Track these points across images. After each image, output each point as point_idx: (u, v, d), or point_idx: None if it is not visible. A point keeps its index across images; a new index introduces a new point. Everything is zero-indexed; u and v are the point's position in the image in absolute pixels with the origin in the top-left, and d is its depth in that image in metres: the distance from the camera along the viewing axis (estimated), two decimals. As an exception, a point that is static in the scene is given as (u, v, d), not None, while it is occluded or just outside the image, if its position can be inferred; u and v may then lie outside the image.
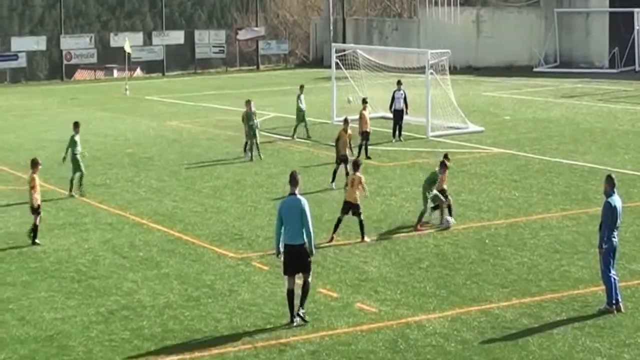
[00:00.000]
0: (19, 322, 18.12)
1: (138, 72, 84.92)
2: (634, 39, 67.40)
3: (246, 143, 35.24)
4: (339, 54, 45.66)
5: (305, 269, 17.83)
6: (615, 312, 17.96)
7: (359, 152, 33.40)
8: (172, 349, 16.66)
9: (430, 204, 24.67)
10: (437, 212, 25.05)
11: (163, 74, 77.15)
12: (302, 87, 41.48)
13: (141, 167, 34.22)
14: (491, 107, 49.53)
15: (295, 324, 17.62)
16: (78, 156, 29.51)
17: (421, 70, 42.02)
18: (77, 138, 29.75)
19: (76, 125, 30.16)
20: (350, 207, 23.64)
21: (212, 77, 74.90)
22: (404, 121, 39.50)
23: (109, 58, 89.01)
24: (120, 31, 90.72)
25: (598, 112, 46.76)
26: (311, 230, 17.70)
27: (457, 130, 40.52)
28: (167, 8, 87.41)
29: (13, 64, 72.65)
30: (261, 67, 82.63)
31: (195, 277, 20.83)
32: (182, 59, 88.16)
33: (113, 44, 76.96)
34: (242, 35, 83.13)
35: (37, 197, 24.05)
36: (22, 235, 24.54)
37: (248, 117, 35.09)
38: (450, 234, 24.02)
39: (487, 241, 23.27)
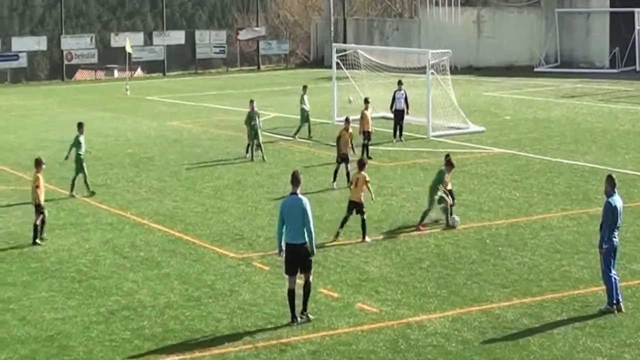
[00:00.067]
0: (20, 322, 18.12)
1: (139, 72, 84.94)
2: (634, 39, 67.39)
3: (248, 144, 35.18)
4: (340, 54, 45.66)
5: (306, 269, 17.84)
6: (616, 312, 17.95)
7: (363, 152, 33.37)
8: (173, 349, 16.66)
9: (436, 205, 24.65)
10: (441, 213, 25.10)
11: (164, 74, 77.16)
12: (305, 87, 41.49)
13: (142, 167, 34.22)
14: (492, 107, 49.53)
15: (295, 324, 17.63)
16: (82, 157, 29.52)
17: (422, 70, 42.01)
18: (81, 139, 29.76)
19: (80, 126, 30.17)
20: (355, 206, 23.66)
21: (212, 77, 74.91)
22: (404, 121, 39.51)
23: (110, 58, 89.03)
24: (121, 31, 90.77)
25: (599, 112, 46.76)
26: (312, 230, 17.72)
27: (457, 130, 40.52)
28: (168, 8, 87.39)
29: (14, 64, 72.67)
30: (262, 67, 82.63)
31: (196, 277, 20.83)
32: (183, 59, 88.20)
33: (114, 44, 77.01)
34: (243, 35, 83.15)
35: (41, 197, 24.08)
36: (22, 235, 24.56)
37: (250, 118, 35.08)
38: (450, 234, 24.02)
39: (487, 241, 23.27)
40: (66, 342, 17.07)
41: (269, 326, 17.64)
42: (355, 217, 23.67)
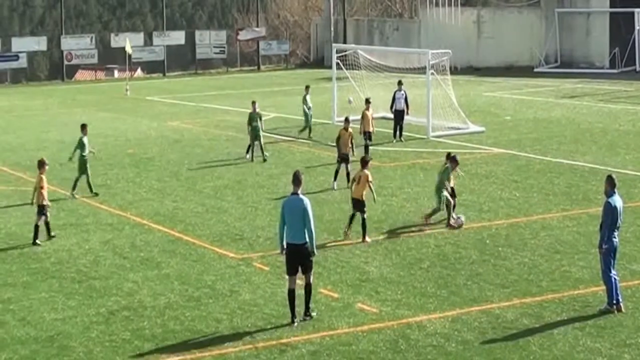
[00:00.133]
0: (20, 323, 18.13)
1: (139, 72, 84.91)
2: (634, 39, 67.40)
3: (249, 145, 35.13)
4: (340, 54, 45.65)
5: (307, 269, 17.85)
6: (615, 312, 17.96)
7: (365, 152, 33.33)
8: (173, 350, 16.67)
9: (443, 206, 24.69)
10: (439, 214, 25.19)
11: (164, 75, 77.16)
12: (307, 87, 41.49)
13: (142, 168, 34.23)
14: (492, 108, 49.54)
15: (295, 324, 17.64)
16: (86, 158, 29.52)
17: (422, 70, 42.01)
18: (85, 140, 29.76)
19: (84, 127, 30.16)
20: (356, 204, 23.67)
21: (212, 78, 74.91)
22: (404, 121, 39.52)
23: (110, 58, 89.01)
24: (121, 31, 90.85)
25: (599, 113, 46.76)
26: (313, 230, 17.74)
27: (457, 130, 40.52)
28: (168, 8, 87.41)
29: (14, 65, 72.65)
30: (262, 67, 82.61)
31: (196, 277, 20.83)
32: (183, 60, 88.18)
33: (114, 44, 77.00)
34: (243, 35, 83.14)
35: (46, 197, 24.10)
36: (22, 235, 24.57)
37: (251, 119, 35.06)
38: (451, 234, 24.03)
39: (487, 241, 23.27)
40: (66, 342, 17.08)
41: (269, 326, 17.65)
42: (356, 217, 23.67)
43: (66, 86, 71.12)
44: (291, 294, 17.75)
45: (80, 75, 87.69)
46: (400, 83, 40.52)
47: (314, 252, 17.89)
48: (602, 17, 69.86)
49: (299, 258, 17.77)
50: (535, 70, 68.86)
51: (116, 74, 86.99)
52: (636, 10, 67.11)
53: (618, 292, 18.06)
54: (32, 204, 24.65)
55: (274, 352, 16.46)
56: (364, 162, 24.04)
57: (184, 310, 18.63)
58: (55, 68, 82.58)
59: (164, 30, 78.98)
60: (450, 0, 72.86)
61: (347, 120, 31.00)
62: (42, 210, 24.02)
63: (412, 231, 24.39)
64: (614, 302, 18.01)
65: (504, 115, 46.29)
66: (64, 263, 22.12)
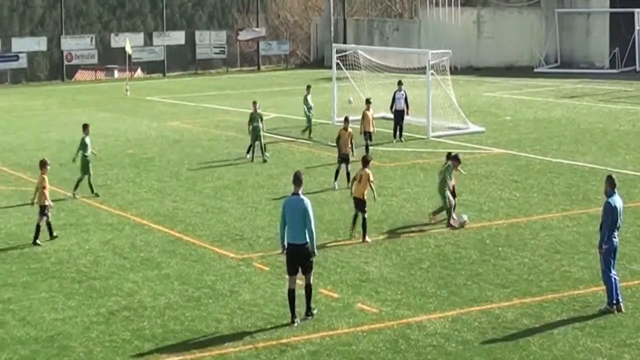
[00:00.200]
0: (20, 323, 18.13)
1: (139, 72, 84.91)
2: (634, 39, 67.40)
3: (250, 145, 35.08)
4: (340, 55, 45.65)
5: (307, 270, 17.86)
6: (615, 312, 17.96)
7: (366, 152, 33.34)
8: (173, 350, 16.67)
9: (448, 204, 24.76)
10: (443, 213, 25.24)
11: (164, 75, 77.17)
12: (308, 87, 41.50)
13: (142, 168, 34.23)
14: (492, 108, 49.54)
15: (295, 324, 17.64)
16: (89, 158, 29.53)
17: (422, 70, 42.01)
18: (87, 140, 29.75)
19: (85, 127, 30.14)
20: (357, 203, 23.68)
21: (212, 78, 74.91)
22: (404, 121, 39.52)
23: (110, 59, 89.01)
24: (121, 32, 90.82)
25: (599, 113, 46.77)
26: (314, 231, 17.76)
27: (457, 130, 40.52)
28: (168, 9, 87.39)
29: (14, 65, 72.64)
30: (262, 67, 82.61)
31: (196, 277, 20.84)
32: (183, 60, 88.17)
33: (114, 44, 77.00)
34: (243, 35, 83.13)
35: (48, 198, 24.11)
36: (22, 236, 24.58)
37: (252, 119, 35.05)
38: (451, 234, 24.03)
39: (487, 241, 23.28)
40: (66, 342, 17.08)
41: (269, 326, 17.65)
42: (358, 216, 23.69)
43: (66, 86, 71.12)
44: (291, 293, 17.76)
45: (80, 75, 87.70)
46: (400, 83, 40.53)
47: (314, 252, 17.90)
48: (602, 17, 69.87)
49: (299, 258, 17.78)
50: (535, 70, 68.86)
51: (116, 74, 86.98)
52: (636, 10, 67.12)
53: (618, 292, 18.06)
54: (32, 204, 24.66)
55: (274, 352, 16.46)
56: (366, 162, 24.06)
57: (184, 311, 18.64)
58: (55, 68, 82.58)
59: (164, 30, 78.97)
60: (450, 0, 72.87)
61: (346, 120, 31.01)
62: (43, 210, 24.03)
63: (412, 231, 24.40)
64: (614, 302, 18.02)
65: (504, 116, 46.30)
66: (64, 263, 22.13)
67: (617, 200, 18.04)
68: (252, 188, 30.21)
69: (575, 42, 70.52)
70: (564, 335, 16.95)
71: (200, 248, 23.25)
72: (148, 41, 77.86)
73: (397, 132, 39.17)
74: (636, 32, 67.16)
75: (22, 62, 72.56)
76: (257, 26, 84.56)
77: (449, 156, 25.59)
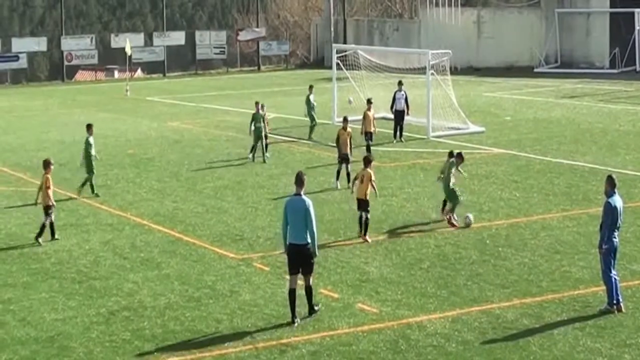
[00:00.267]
0: (20, 323, 18.13)
1: (139, 73, 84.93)
2: (634, 39, 67.42)
3: (253, 146, 35.03)
4: (340, 55, 45.66)
5: (307, 271, 17.86)
6: (616, 312, 17.96)
7: (367, 152, 33.34)
8: (173, 350, 16.67)
9: (460, 198, 24.86)
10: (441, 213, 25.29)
11: (164, 75, 77.18)
12: (311, 87, 41.51)
13: (142, 168, 34.23)
14: (492, 108, 49.55)
15: (296, 324, 17.65)
16: (92, 158, 29.54)
17: (422, 70, 42.02)
18: (91, 140, 29.75)
19: (89, 127, 30.12)
20: (361, 204, 23.69)
21: (212, 78, 74.92)
22: (405, 122, 39.53)
23: (110, 59, 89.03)
24: (121, 32, 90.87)
25: (599, 113, 46.77)
26: (315, 231, 17.78)
27: (457, 130, 40.53)
28: (168, 9, 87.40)
29: (14, 65, 72.67)
30: (262, 67, 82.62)
31: (196, 277, 20.84)
32: (183, 60, 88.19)
33: (114, 44, 77.01)
34: (243, 36, 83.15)
35: (51, 198, 24.12)
36: (22, 236, 24.58)
37: (255, 119, 35.03)
38: (451, 234, 24.04)
39: (487, 242, 23.28)
40: (66, 343, 17.08)
41: (269, 327, 17.65)
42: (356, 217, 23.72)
43: (66, 87, 71.14)
44: (292, 293, 17.76)
45: (80, 75, 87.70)
46: (400, 83, 40.54)
47: (315, 252, 17.91)
48: (602, 17, 69.88)
49: (300, 258, 17.79)
50: (536, 70, 68.89)
51: (116, 74, 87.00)
52: (636, 10, 67.13)
53: (618, 292, 18.06)
54: (36, 204, 24.64)
55: (274, 352, 16.46)
56: (367, 161, 24.07)
57: (184, 311, 18.64)
58: (56, 68, 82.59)
59: (164, 30, 78.99)
60: (451, 1, 72.88)
61: (345, 120, 30.99)
62: (47, 210, 24.02)
63: (412, 231, 24.40)
64: (614, 302, 18.02)
65: (504, 116, 46.30)
66: (64, 263, 22.13)
67: (617, 200, 18.04)
68: (252, 188, 30.21)
69: (575, 42, 70.54)
70: (564, 336, 16.96)
71: (201, 248, 23.25)
72: (148, 41, 77.87)
73: (398, 132, 39.18)
74: (636, 32, 67.17)
75: (22, 63, 72.59)
76: (257, 26, 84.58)
77: (452, 154, 25.59)
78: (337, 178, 29.83)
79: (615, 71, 66.55)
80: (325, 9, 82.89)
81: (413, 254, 22.35)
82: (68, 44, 74.89)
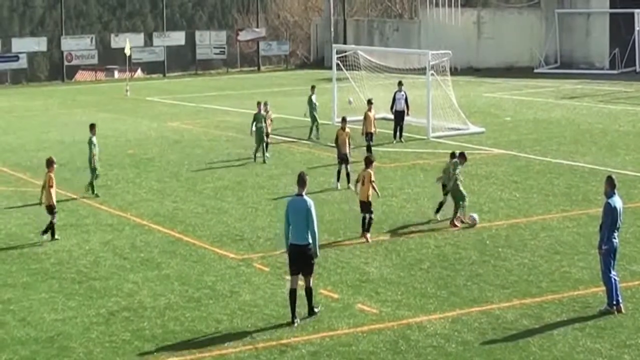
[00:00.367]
0: (20, 324, 18.13)
1: (139, 73, 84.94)
2: (634, 39, 67.41)
3: (256, 147, 34.95)
4: (340, 55, 45.66)
5: (308, 271, 17.86)
6: (615, 313, 17.96)
7: (368, 152, 33.33)
8: (173, 350, 16.67)
9: (466, 200, 24.89)
10: (441, 213, 25.29)
11: (164, 75, 77.19)
12: (313, 87, 41.50)
13: (142, 168, 34.23)
14: (492, 108, 49.55)
15: (296, 324, 17.65)
16: (95, 158, 29.54)
17: (422, 71, 42.03)
18: (94, 140, 29.75)
19: (92, 127, 30.11)
20: (363, 206, 23.70)
21: (212, 78, 74.93)
22: (405, 122, 39.53)
23: (110, 59, 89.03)
24: (121, 32, 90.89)
25: (598, 113, 46.78)
26: (316, 232, 17.80)
27: (457, 131, 40.53)
28: (168, 9, 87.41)
29: (14, 65, 72.68)
30: (262, 68, 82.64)
31: (196, 278, 20.84)
32: (183, 60, 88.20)
33: (114, 45, 77.00)
34: (243, 36, 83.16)
35: (53, 197, 24.13)
36: (22, 236, 24.59)
37: (257, 119, 35.02)
38: (450, 234, 24.04)
39: (487, 242, 23.28)
40: (66, 343, 17.08)
41: (269, 327, 17.65)
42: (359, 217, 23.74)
43: (66, 87, 71.15)
44: (292, 294, 17.76)
45: (80, 75, 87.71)
46: (400, 84, 40.54)
47: (316, 253, 17.92)
48: (602, 17, 69.88)
49: (301, 259, 17.79)
50: (535, 71, 68.89)
51: (116, 74, 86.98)
52: (636, 11, 67.13)
53: (618, 292, 18.06)
54: (40, 204, 24.63)
55: (274, 353, 16.47)
56: (369, 162, 24.08)
57: (184, 311, 18.64)
58: (56, 69, 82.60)
59: (164, 30, 79.00)
60: (451, 1, 72.89)
61: (343, 120, 30.96)
62: (52, 209, 24.02)
63: (412, 232, 24.40)
64: (614, 302, 18.02)
65: (504, 116, 46.31)
66: (64, 264, 22.13)
67: (617, 201, 18.04)
68: (252, 189, 30.21)
69: (575, 42, 70.54)
70: (563, 336, 16.96)
71: (201, 248, 23.25)
72: (148, 41, 77.87)
73: (397, 133, 39.18)
74: (636, 32, 67.16)
75: (22, 63, 72.61)
76: (257, 26, 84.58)
77: (454, 155, 25.57)
78: (338, 179, 29.83)
79: (615, 72, 66.54)
80: (325, 9, 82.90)
81: (413, 254, 22.36)
82: (68, 44, 74.90)
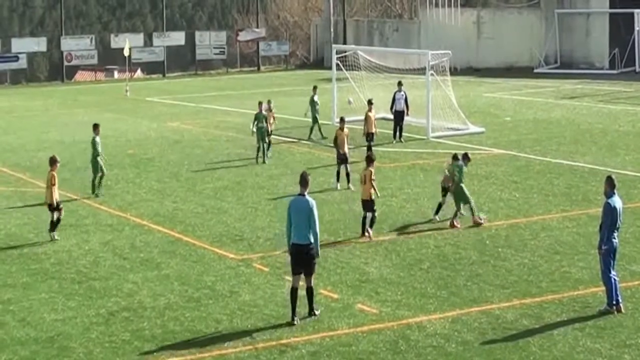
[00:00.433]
0: (20, 324, 18.13)
1: (139, 73, 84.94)
2: (634, 39, 67.42)
3: (258, 147, 34.90)
4: (340, 55, 45.65)
5: (309, 271, 17.86)
6: (615, 312, 17.96)
7: (368, 152, 33.35)
8: (173, 350, 16.67)
9: (472, 202, 24.92)
10: (440, 214, 25.31)
11: (164, 75, 77.19)
12: (315, 87, 41.49)
13: (142, 168, 34.24)
14: (492, 108, 49.55)
15: (296, 324, 17.65)
16: (99, 158, 29.56)
17: (422, 71, 42.03)
18: (98, 139, 29.76)
19: (95, 127, 30.12)
20: (365, 205, 23.71)
21: (212, 79, 74.93)
22: (404, 122, 39.53)
23: (110, 59, 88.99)
24: (120, 32, 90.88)
25: (598, 113, 46.78)
26: (318, 232, 17.82)
27: (457, 131, 40.52)
28: (168, 9, 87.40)
29: (13, 65, 72.68)
30: (262, 68, 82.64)
31: (196, 278, 20.84)
32: (183, 60, 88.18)
33: (114, 45, 76.98)
34: (243, 36, 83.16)
35: (56, 195, 24.12)
36: (22, 236, 24.59)
37: (257, 119, 35.00)
38: (450, 235, 24.04)
39: (487, 242, 23.28)
40: (66, 343, 17.08)
41: (269, 327, 17.65)
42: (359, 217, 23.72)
43: (66, 87, 71.15)
44: (294, 292, 17.75)
45: (80, 76, 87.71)
46: (400, 84, 40.54)
47: (317, 253, 17.93)
48: (601, 17, 69.89)
49: (303, 259, 17.80)
50: (535, 71, 68.89)
51: (116, 74, 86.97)
52: (636, 11, 67.13)
53: (618, 292, 18.06)
54: (46, 203, 24.61)
55: (273, 353, 16.46)
56: (370, 160, 24.10)
57: (183, 311, 18.64)
58: (55, 69, 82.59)
59: (164, 31, 78.99)
60: (450, 1, 72.89)
61: (342, 120, 30.96)
62: (58, 206, 24.03)
63: (412, 232, 24.40)
64: (614, 302, 18.02)
65: (504, 116, 46.31)
66: (63, 264, 22.12)
67: (617, 201, 18.04)
68: (252, 189, 30.21)
69: (575, 42, 70.54)
70: (563, 336, 16.96)
71: (200, 249, 23.25)
72: (148, 42, 77.87)
73: (397, 133, 39.18)
74: (636, 32, 67.17)
75: (22, 63, 72.60)
76: (257, 27, 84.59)
77: (456, 157, 25.54)
78: (338, 179, 29.82)
79: (614, 72, 66.55)
80: (325, 10, 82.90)
81: (413, 254, 22.36)
82: (68, 44, 74.89)
